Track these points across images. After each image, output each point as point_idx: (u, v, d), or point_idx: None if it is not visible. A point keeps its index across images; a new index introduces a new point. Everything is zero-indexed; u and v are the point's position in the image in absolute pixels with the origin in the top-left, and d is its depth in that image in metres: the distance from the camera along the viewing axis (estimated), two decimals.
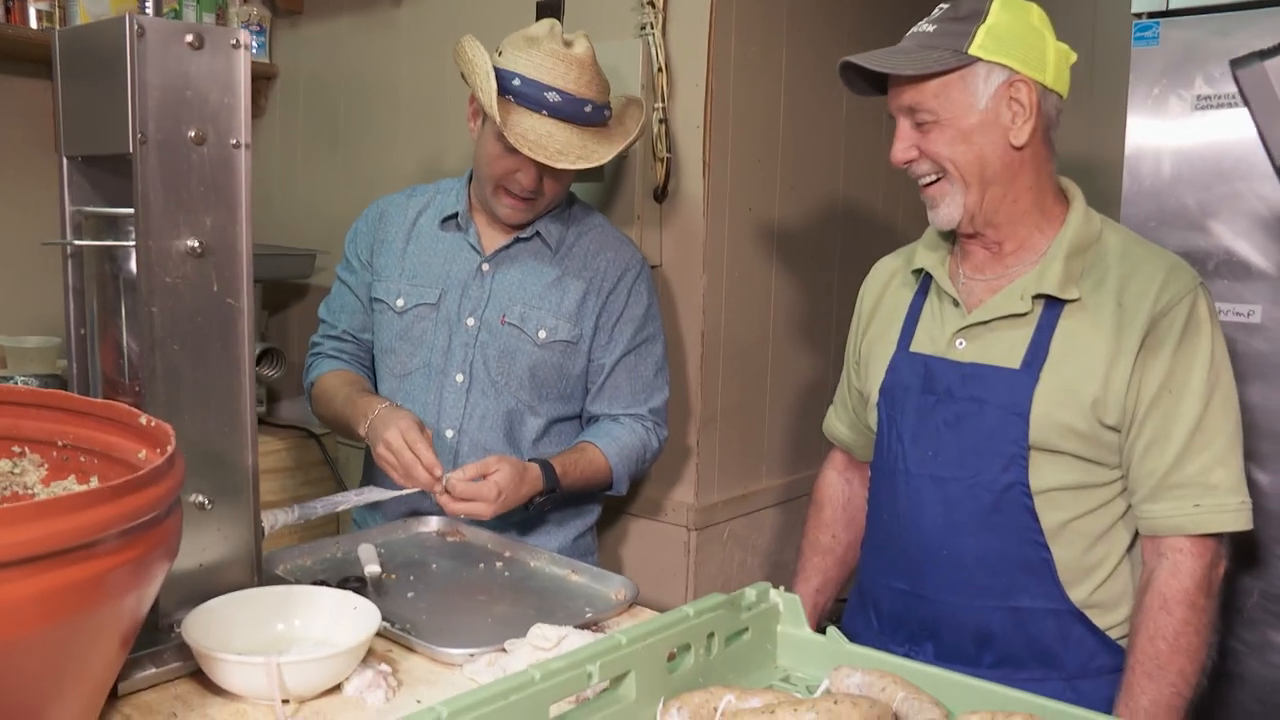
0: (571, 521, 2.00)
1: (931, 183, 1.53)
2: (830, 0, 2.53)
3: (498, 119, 1.72)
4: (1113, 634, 1.53)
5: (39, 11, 2.61)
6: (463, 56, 1.80)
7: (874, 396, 1.65)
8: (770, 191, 2.41)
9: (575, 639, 1.24)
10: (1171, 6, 1.84)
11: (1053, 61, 1.49)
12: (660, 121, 2.22)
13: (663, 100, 2.22)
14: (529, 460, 1.79)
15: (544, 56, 1.76)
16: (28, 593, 0.82)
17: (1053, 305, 1.50)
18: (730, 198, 2.29)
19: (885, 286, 1.73)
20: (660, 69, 2.21)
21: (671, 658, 1.13)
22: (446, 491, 1.65)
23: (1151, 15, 1.88)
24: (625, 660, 1.06)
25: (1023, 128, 1.47)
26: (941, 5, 1.53)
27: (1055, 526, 1.50)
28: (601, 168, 2.27)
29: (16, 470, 1.20)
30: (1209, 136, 1.83)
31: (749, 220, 2.36)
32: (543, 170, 1.80)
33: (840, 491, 1.86)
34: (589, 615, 1.44)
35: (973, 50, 1.45)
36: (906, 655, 1.53)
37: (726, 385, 2.35)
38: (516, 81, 1.76)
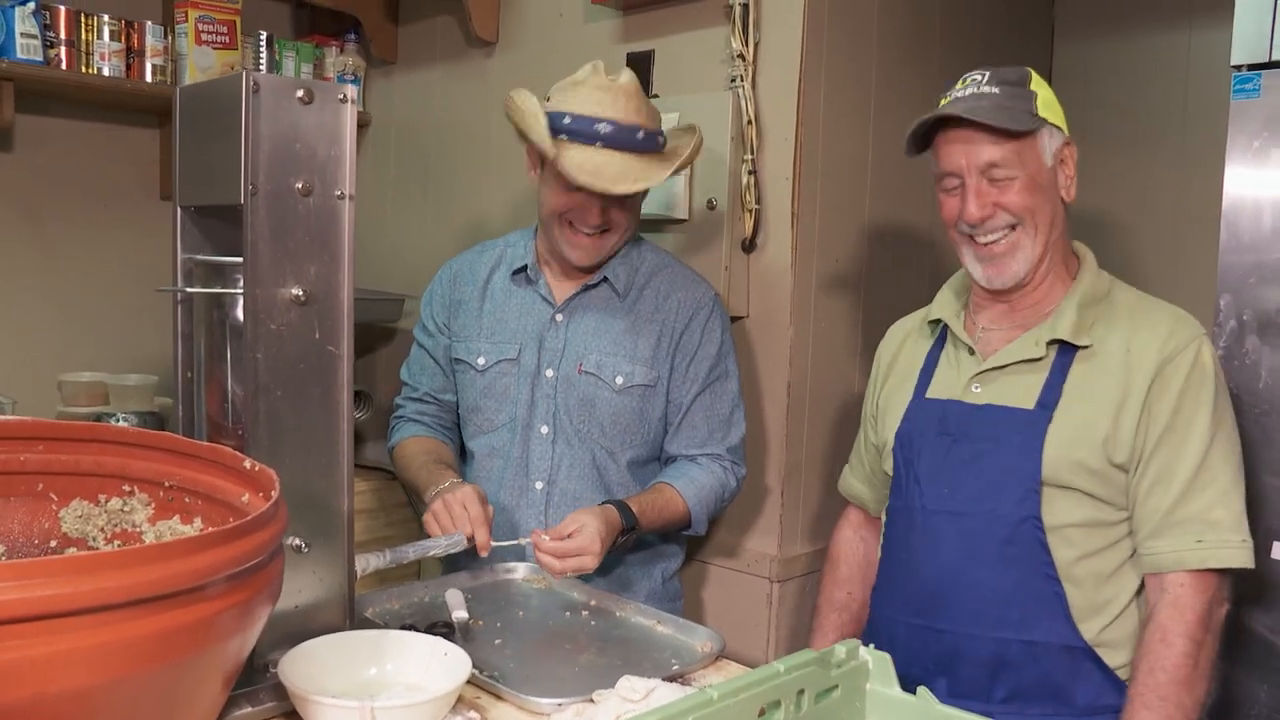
0: (658, 564, 2.01)
1: (1001, 239, 1.61)
2: (918, 52, 2.53)
3: (551, 154, 1.76)
4: (1121, 674, 1.57)
5: (154, 66, 2.73)
6: (512, 107, 1.85)
7: (890, 443, 1.73)
8: (859, 243, 2.41)
9: (664, 692, 1.24)
10: (1275, 58, 1.81)
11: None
12: (749, 173, 2.23)
13: (752, 152, 2.23)
14: (604, 503, 1.80)
15: (590, 90, 1.80)
16: (142, 632, 0.84)
17: (1065, 351, 1.60)
18: (818, 250, 2.29)
19: (902, 343, 1.83)
20: (750, 121, 2.22)
21: (761, 714, 1.12)
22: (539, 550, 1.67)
23: (1253, 67, 1.84)
24: (716, 716, 1.05)
25: (1071, 186, 1.63)
26: (980, 72, 1.62)
27: (1067, 562, 1.56)
28: (687, 218, 2.31)
29: (126, 509, 1.24)
30: None
31: (836, 272, 2.35)
32: (605, 203, 1.83)
33: (856, 549, 1.92)
34: (675, 667, 1.43)
35: (1040, 113, 1.58)
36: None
37: (811, 437, 2.33)
38: (567, 120, 1.79)
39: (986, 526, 1.58)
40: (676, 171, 1.86)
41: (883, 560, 1.77)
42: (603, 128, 1.78)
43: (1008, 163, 1.57)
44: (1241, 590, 1.65)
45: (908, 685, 1.59)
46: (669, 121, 2.06)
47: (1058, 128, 1.60)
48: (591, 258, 1.91)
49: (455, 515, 1.68)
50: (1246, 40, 1.84)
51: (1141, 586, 1.59)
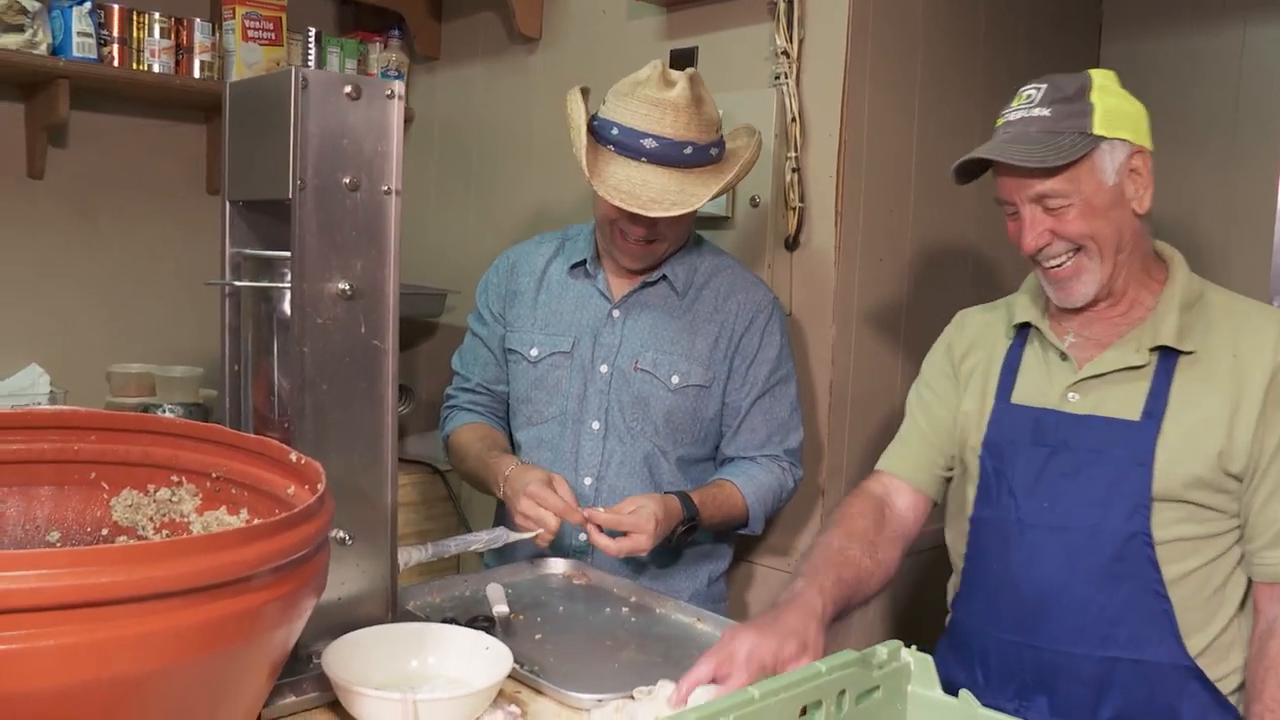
0: (705, 565, 2.00)
1: (1063, 264, 1.55)
2: (964, 50, 2.51)
3: (586, 173, 1.75)
4: (1220, 686, 1.52)
5: (202, 63, 2.77)
6: (565, 112, 1.83)
7: (971, 446, 1.65)
8: (902, 242, 2.39)
9: (701, 694, 1.23)
10: None
11: (1146, 124, 1.54)
12: (793, 171, 2.22)
13: (796, 150, 2.22)
14: (666, 494, 1.81)
15: (639, 104, 1.77)
16: (190, 622, 0.85)
17: (1167, 357, 1.53)
18: (861, 248, 2.28)
19: (976, 338, 1.74)
20: (794, 119, 2.21)
21: (803, 713, 1.12)
22: (596, 527, 1.69)
23: None
24: (757, 715, 1.05)
25: (1145, 195, 1.53)
26: (1035, 86, 1.54)
27: (1175, 577, 1.50)
28: (731, 215, 2.30)
29: (174, 499, 1.25)
30: None
31: (880, 271, 2.34)
32: (649, 218, 1.80)
33: (874, 506, 1.71)
34: None
35: (1097, 130, 1.49)
36: (1017, 710, 1.54)
37: (854, 436, 2.32)
38: (615, 131, 1.77)
39: (1091, 542, 1.52)
40: (726, 189, 1.82)
41: (969, 571, 1.69)
42: (648, 143, 1.75)
43: (1059, 192, 1.50)
44: None
45: (1005, 704, 1.55)
46: None
47: (1122, 139, 1.50)
48: (641, 263, 1.91)
49: (554, 506, 1.69)
50: None
51: (1244, 597, 1.54)
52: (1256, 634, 1.51)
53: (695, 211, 1.81)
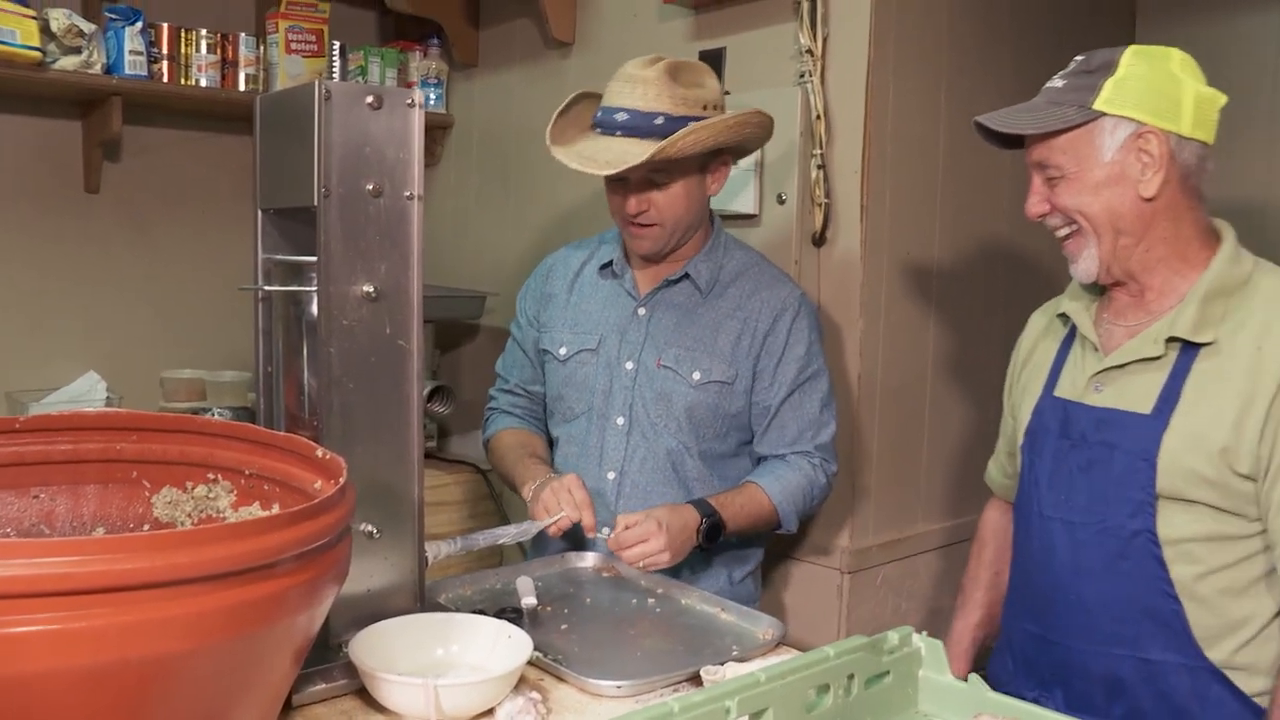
0: (728, 566, 2.01)
1: (1066, 236, 1.55)
2: (991, 42, 2.51)
3: (549, 145, 1.88)
4: (1260, 701, 1.45)
5: (247, 76, 2.85)
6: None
7: (1019, 440, 1.67)
8: (929, 236, 2.40)
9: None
10: None
11: (1190, 109, 1.47)
12: (819, 167, 2.24)
13: (821, 146, 2.24)
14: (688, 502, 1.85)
15: (616, 83, 1.86)
16: (214, 606, 0.91)
17: (1188, 349, 1.48)
18: (888, 242, 2.29)
19: (1040, 335, 1.74)
20: (819, 116, 2.23)
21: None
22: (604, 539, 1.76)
23: None
24: (763, 697, 1.08)
25: (1152, 179, 1.47)
26: (1077, 58, 1.53)
27: (1189, 579, 1.46)
28: (758, 213, 2.33)
29: (211, 495, 1.31)
30: None
31: (907, 264, 2.35)
32: (630, 191, 1.88)
33: (1004, 529, 1.83)
34: (735, 653, 1.46)
35: (1098, 105, 1.47)
36: (1037, 700, 1.54)
37: (883, 429, 2.34)
38: (599, 113, 1.87)
39: (1097, 539, 1.50)
40: (668, 147, 1.78)
41: (1011, 562, 1.73)
42: (620, 116, 1.83)
43: (1050, 162, 1.51)
44: None
45: (1027, 693, 1.56)
46: None
47: (1129, 118, 1.45)
48: (647, 247, 1.94)
49: (562, 500, 1.77)
50: None
51: None
52: None
53: (698, 198, 1.91)
